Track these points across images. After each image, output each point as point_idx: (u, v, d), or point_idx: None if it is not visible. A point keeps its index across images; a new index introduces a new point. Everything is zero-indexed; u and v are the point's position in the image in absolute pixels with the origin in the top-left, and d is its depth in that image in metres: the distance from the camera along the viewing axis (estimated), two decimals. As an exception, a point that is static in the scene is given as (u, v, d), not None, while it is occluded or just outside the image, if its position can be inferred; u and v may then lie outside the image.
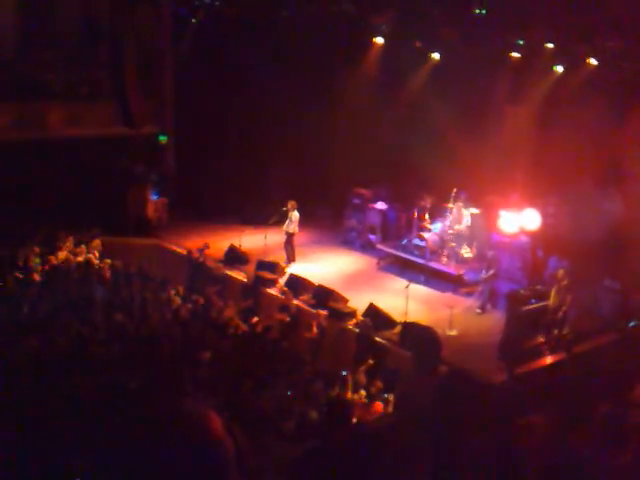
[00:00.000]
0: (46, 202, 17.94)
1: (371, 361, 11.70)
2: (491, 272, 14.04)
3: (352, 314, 13.38)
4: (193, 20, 17.41)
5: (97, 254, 16.11)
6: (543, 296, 12.62)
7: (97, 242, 16.47)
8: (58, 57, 18.50)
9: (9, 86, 17.29)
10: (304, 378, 11.52)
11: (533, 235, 14.66)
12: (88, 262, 15.49)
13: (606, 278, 13.72)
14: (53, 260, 15.11)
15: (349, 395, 10.75)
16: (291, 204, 15.72)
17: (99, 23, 18.41)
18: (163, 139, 19.77)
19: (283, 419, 9.72)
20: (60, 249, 15.75)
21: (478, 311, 13.86)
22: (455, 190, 15.14)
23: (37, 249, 15.63)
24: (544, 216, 14.65)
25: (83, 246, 16.13)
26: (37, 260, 15.09)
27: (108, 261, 15.81)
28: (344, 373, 11.23)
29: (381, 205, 17.03)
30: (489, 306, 13.93)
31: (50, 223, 17.05)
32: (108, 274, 15.13)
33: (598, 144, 14.14)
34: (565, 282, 12.59)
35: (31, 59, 17.90)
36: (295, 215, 15.73)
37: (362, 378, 11.34)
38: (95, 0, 17.94)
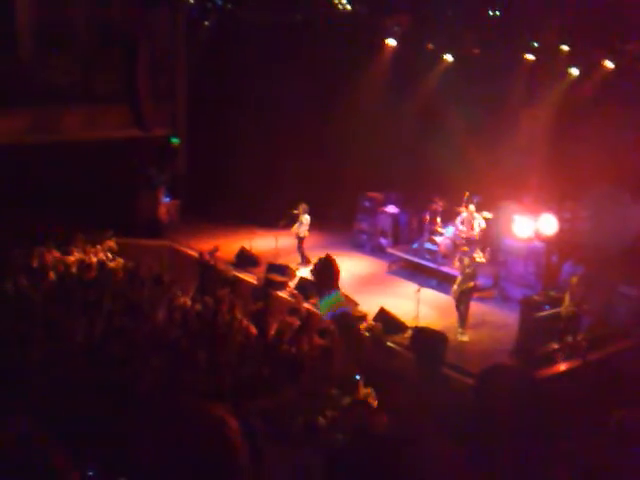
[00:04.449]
0: (60, 204, 18.02)
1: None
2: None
3: (362, 318, 13.25)
4: (206, 23, 17.40)
5: (110, 255, 16.13)
6: (557, 302, 12.43)
7: (110, 243, 16.50)
8: (72, 60, 18.61)
9: (24, 90, 17.39)
10: (314, 383, 11.38)
11: (548, 240, 14.46)
12: (101, 263, 15.50)
13: (622, 284, 13.49)
14: (67, 261, 15.13)
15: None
16: (302, 207, 15.66)
17: (113, 25, 18.50)
18: (175, 141, 19.83)
19: (291, 425, 9.58)
20: (74, 250, 15.77)
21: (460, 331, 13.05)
22: (468, 194, 14.98)
23: (51, 250, 15.67)
24: (560, 221, 14.46)
25: (97, 247, 16.16)
26: (51, 260, 15.12)
27: (121, 261, 15.83)
28: (357, 377, 11.07)
29: (392, 208, 16.91)
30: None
31: (64, 224, 17.10)
32: (121, 275, 15.12)
33: (615, 148, 13.94)
34: (580, 288, 12.38)
35: (46, 63, 18.00)
36: (306, 218, 15.66)
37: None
38: (110, 3, 18.01)
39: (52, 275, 14.35)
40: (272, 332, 13.22)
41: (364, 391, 10.86)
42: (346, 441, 7.74)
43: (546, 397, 1.98)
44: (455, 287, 13.13)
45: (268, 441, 4.48)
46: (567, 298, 12.31)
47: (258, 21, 16.63)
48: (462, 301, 13.01)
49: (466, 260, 13.27)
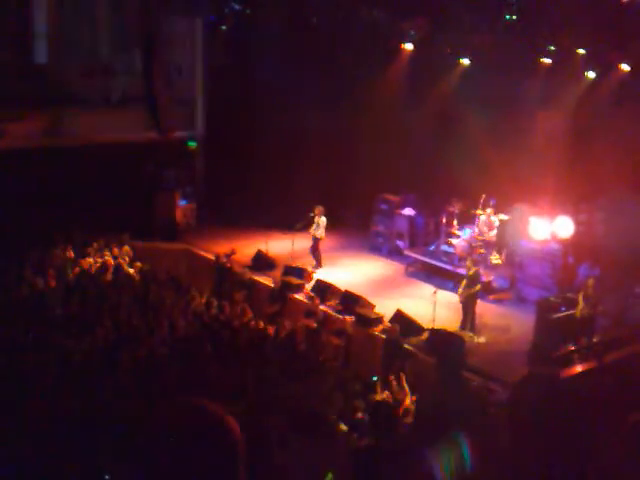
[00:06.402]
0: (77, 207, 18.23)
1: (401, 372, 11.59)
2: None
3: (379, 320, 13.32)
4: (223, 27, 17.56)
5: (127, 259, 16.27)
6: (573, 304, 12.45)
7: (127, 248, 16.63)
8: (89, 63, 18.82)
9: (40, 93, 17.61)
10: (330, 383, 11.46)
11: (564, 242, 14.49)
12: (118, 266, 15.65)
13: (638, 286, 13.49)
14: (84, 264, 15.29)
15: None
16: (318, 209, 15.76)
17: (131, 29, 18.71)
18: (193, 145, 19.98)
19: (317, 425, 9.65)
20: (90, 253, 15.94)
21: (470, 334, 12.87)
22: (484, 196, 15.03)
23: (68, 253, 15.85)
24: (576, 223, 14.48)
25: (114, 249, 16.31)
26: (68, 263, 15.30)
27: (138, 265, 15.98)
28: (374, 378, 11.14)
29: (409, 211, 16.97)
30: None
31: (81, 227, 17.31)
32: (137, 278, 15.27)
33: (631, 150, 13.94)
34: (595, 290, 12.39)
35: (62, 65, 18.22)
36: (322, 220, 15.75)
37: (394, 385, 11.24)
38: (128, 7, 18.21)
39: (69, 277, 14.52)
40: (289, 333, 13.34)
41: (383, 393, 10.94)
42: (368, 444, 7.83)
43: (574, 403, 2.05)
44: (460, 290, 13.16)
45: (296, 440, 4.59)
46: (581, 300, 12.34)
47: (275, 25, 16.76)
48: (469, 304, 13.02)
49: (468, 262, 13.32)
